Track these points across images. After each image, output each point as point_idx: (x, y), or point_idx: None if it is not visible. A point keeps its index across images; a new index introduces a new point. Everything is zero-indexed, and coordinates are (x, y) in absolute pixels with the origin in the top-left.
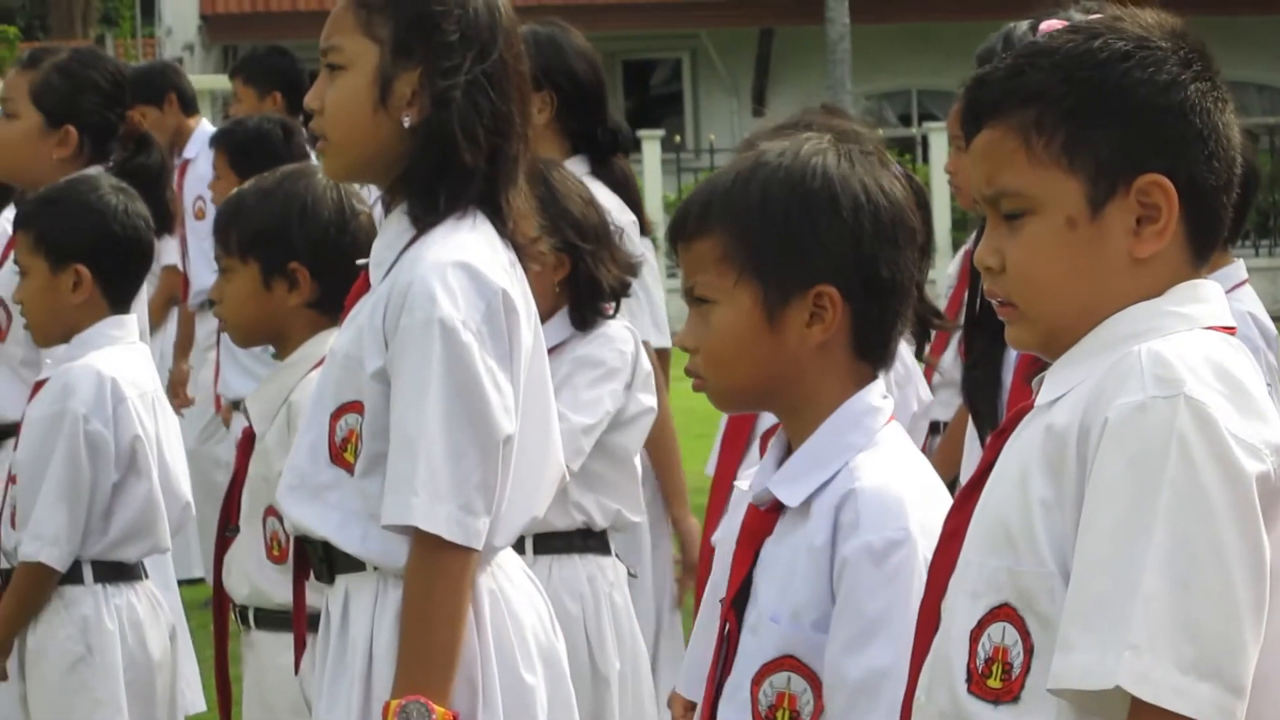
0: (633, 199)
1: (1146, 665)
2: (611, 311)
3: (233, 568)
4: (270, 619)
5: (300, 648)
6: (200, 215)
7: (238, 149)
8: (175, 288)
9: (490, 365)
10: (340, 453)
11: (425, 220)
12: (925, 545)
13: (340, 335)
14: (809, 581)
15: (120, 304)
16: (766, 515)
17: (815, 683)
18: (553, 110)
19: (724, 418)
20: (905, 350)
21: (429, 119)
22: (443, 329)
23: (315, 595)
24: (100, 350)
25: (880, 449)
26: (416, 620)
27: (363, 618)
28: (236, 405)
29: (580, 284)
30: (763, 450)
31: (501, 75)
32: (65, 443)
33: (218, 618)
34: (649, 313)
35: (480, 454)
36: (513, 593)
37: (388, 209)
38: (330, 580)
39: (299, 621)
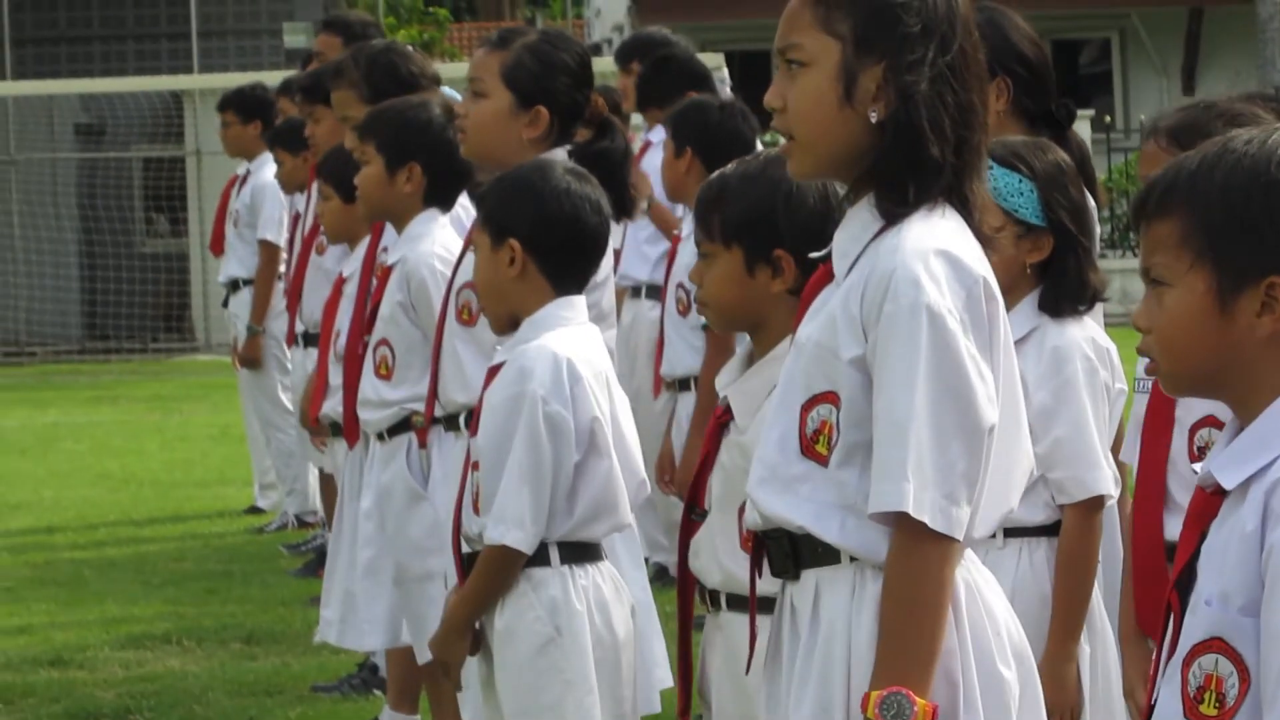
0: (1087, 174)
1: None
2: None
3: (701, 551)
4: (745, 602)
5: (754, 644)
6: None
7: (701, 134)
8: None
9: (974, 353)
10: (811, 445)
11: (895, 212)
12: None
13: (805, 326)
14: (1240, 565)
15: (565, 286)
16: (1211, 498)
17: (1241, 667)
18: (1009, 96)
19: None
20: None
21: (895, 113)
22: (929, 315)
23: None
24: (553, 331)
25: None
26: (898, 610)
27: (838, 612)
28: (682, 384)
29: (1066, 274)
30: (1190, 439)
31: (963, 65)
32: (526, 426)
33: (682, 599)
34: None
35: (965, 443)
36: (985, 586)
37: (850, 203)
38: (795, 576)
39: (753, 619)
